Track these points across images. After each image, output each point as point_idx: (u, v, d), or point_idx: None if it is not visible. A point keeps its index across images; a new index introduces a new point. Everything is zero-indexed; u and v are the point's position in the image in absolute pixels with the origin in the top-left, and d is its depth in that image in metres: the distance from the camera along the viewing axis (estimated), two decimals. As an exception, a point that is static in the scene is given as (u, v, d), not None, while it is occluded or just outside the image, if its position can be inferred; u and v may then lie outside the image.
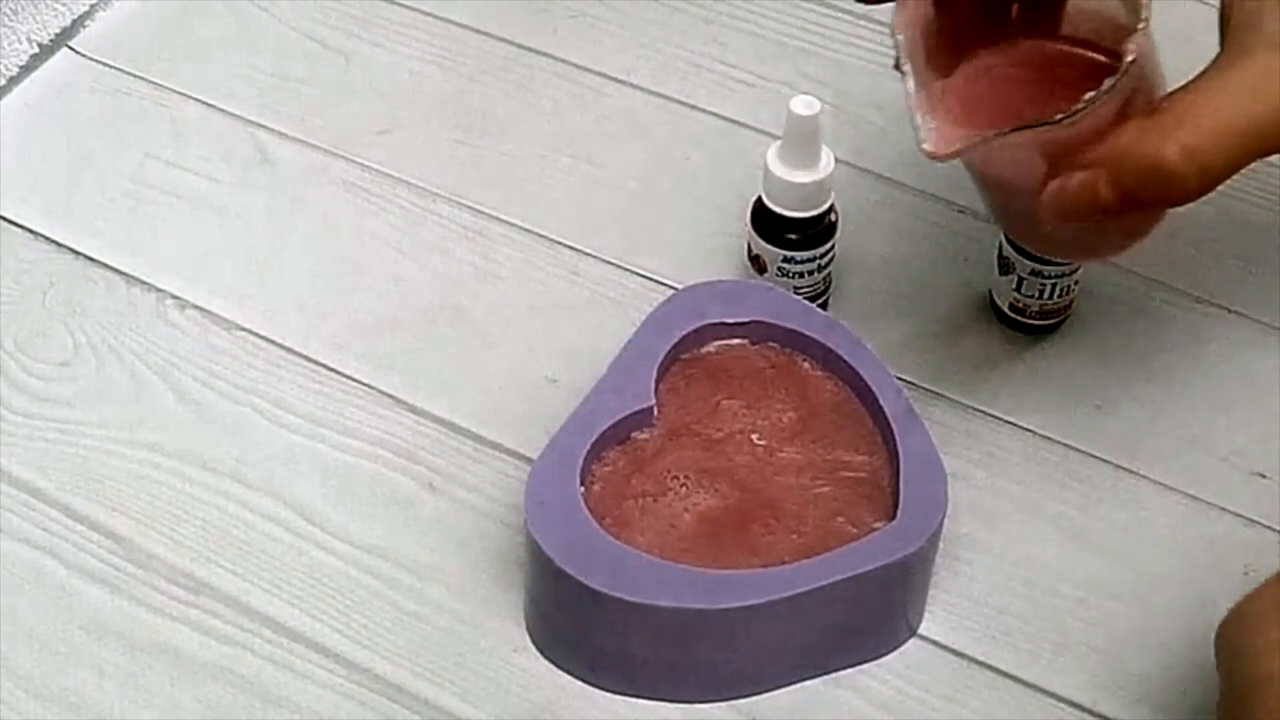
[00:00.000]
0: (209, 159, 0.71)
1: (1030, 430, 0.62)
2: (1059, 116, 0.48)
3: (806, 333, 0.57)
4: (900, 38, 0.52)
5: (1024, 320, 0.64)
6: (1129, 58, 0.47)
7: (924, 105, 0.51)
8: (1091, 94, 0.47)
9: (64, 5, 0.76)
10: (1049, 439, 0.61)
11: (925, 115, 0.51)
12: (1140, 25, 0.48)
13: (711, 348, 0.58)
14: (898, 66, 0.52)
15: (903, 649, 0.56)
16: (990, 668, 0.56)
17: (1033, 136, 0.49)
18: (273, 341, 0.65)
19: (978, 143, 0.49)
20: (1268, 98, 0.46)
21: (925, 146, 0.50)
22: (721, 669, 0.54)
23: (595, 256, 0.67)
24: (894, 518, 0.53)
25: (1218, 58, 0.48)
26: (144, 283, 0.67)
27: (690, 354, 0.58)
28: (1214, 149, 0.46)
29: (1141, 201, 0.48)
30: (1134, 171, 0.47)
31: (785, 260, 0.62)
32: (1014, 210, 0.55)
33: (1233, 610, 0.48)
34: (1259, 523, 0.59)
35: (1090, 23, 0.53)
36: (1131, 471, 0.60)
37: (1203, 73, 0.48)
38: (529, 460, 0.59)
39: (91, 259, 0.67)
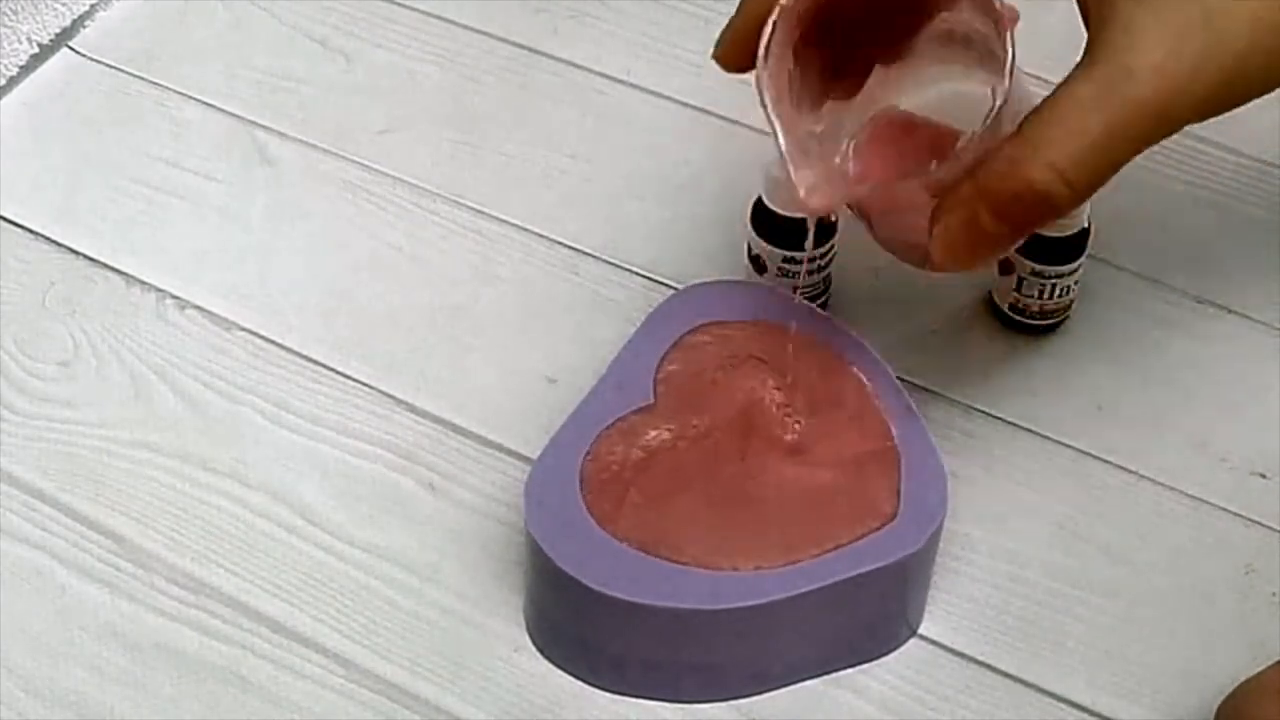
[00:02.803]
0: (209, 159, 0.71)
1: (1030, 430, 0.62)
2: (933, 168, 0.50)
3: (806, 333, 0.57)
4: (768, 95, 0.52)
5: (1024, 320, 0.63)
6: (998, 99, 0.48)
7: (797, 158, 0.52)
8: (972, 131, 0.48)
9: (64, 5, 0.76)
10: (1049, 439, 0.61)
11: (800, 169, 0.52)
12: (1007, 58, 0.49)
13: (711, 348, 0.58)
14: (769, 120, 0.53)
15: (903, 649, 0.56)
16: (990, 668, 0.56)
17: (917, 182, 0.50)
18: (273, 341, 0.65)
19: (863, 191, 0.52)
20: (1118, 106, 0.47)
21: (812, 201, 0.52)
22: (721, 669, 0.54)
23: (595, 256, 0.67)
24: (894, 518, 0.53)
25: (1077, 64, 0.49)
26: (144, 283, 0.67)
27: (690, 354, 0.58)
28: (1078, 165, 0.47)
29: (1027, 225, 0.49)
30: (1010, 199, 0.48)
31: (785, 260, 0.62)
32: (909, 246, 0.55)
33: (1233, 690, 0.50)
34: (1259, 523, 0.59)
35: (954, 57, 0.54)
36: (1131, 471, 0.60)
37: (1063, 83, 0.48)
38: (529, 460, 0.59)
39: (91, 259, 0.67)
